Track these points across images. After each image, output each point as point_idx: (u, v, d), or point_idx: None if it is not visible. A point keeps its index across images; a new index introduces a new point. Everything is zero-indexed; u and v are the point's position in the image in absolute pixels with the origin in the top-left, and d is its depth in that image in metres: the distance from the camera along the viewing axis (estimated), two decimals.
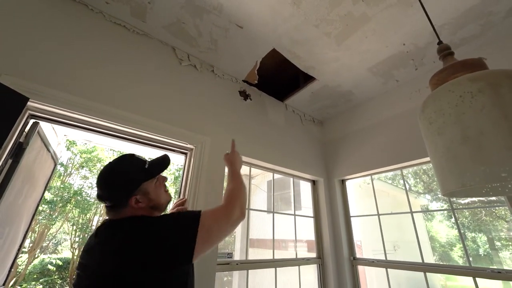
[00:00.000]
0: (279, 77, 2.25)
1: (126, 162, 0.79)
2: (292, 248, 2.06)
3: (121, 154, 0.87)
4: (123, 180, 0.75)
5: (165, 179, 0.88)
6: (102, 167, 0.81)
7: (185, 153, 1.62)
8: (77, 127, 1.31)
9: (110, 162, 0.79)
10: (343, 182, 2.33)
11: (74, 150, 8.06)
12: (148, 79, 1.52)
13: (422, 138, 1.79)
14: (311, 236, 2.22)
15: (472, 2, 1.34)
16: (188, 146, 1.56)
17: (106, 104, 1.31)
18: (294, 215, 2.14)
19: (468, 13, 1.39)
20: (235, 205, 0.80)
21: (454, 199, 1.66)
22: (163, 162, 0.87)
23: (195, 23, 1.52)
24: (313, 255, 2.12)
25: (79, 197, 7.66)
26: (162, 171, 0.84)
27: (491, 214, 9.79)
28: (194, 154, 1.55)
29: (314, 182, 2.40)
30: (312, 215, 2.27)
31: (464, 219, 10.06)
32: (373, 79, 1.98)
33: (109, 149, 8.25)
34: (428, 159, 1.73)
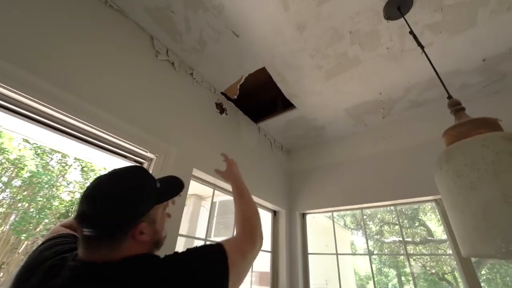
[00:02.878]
0: (258, 98, 2.16)
1: (139, 174, 0.56)
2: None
3: (126, 166, 0.60)
4: (134, 199, 0.51)
5: (166, 206, 0.62)
6: (97, 176, 0.54)
7: (141, 163, 1.31)
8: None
9: (113, 172, 0.54)
10: (304, 216, 2.28)
11: None
12: (113, 64, 1.21)
13: (380, 181, 1.92)
14: (266, 268, 2.02)
15: (440, 70, 1.54)
16: (148, 155, 1.27)
17: (44, 80, 0.94)
18: None
19: (435, 80, 1.60)
20: (256, 233, 0.65)
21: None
22: (177, 184, 0.64)
23: (186, 15, 1.33)
24: None
25: None
26: (175, 196, 0.62)
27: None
28: (155, 166, 1.25)
29: (275, 213, 2.28)
30: (269, 249, 2.10)
31: (384, 256, 11.31)
32: (347, 119, 2.08)
33: (22, 139, 6.60)
34: (385, 203, 1.82)
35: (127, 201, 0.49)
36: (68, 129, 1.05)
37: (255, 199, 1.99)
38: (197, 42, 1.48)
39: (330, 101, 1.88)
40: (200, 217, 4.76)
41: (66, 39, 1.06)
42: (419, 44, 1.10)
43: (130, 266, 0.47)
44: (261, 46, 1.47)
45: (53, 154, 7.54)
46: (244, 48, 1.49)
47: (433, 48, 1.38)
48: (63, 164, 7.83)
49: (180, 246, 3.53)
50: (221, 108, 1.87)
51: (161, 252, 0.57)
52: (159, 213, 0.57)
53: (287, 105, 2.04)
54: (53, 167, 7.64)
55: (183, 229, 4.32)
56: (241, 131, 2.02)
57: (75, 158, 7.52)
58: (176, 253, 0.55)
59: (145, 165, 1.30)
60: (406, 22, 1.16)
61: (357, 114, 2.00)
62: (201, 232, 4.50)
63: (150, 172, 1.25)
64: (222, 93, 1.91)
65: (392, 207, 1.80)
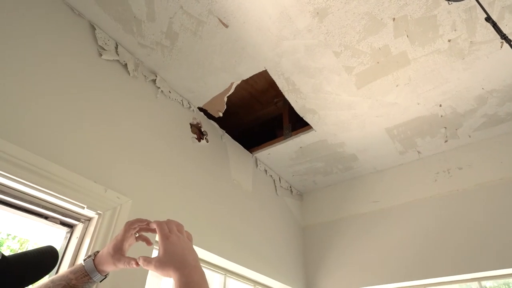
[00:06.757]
0: (254, 115, 2.18)
1: None
2: None
3: None
4: None
5: None
6: None
7: (70, 226, 1.26)
8: None
9: None
10: None
11: None
12: (26, 64, 1.16)
13: (450, 241, 1.79)
14: None
15: None
16: (84, 212, 1.22)
17: None
18: None
19: None
20: None
21: None
22: (37, 270, 0.63)
23: None
24: None
25: None
26: None
27: None
28: (95, 230, 1.21)
29: None
30: None
31: None
32: (389, 144, 2.07)
33: None
34: (462, 276, 1.72)
35: None
36: None
37: (248, 273, 1.88)
38: (164, 34, 1.47)
39: (364, 118, 1.88)
40: None
41: None
42: (501, 33, 1.10)
43: None
44: (261, 41, 1.48)
45: None
46: (235, 44, 1.50)
47: None
48: None
49: None
50: (199, 132, 1.84)
51: None
52: None
53: (299, 125, 2.05)
54: None
55: None
56: (229, 165, 1.99)
57: None
58: None
59: (79, 229, 1.24)
60: (479, 2, 1.16)
61: (405, 136, 1.99)
62: None
63: (87, 240, 1.19)
64: (201, 109, 1.89)
65: (474, 284, 1.71)
